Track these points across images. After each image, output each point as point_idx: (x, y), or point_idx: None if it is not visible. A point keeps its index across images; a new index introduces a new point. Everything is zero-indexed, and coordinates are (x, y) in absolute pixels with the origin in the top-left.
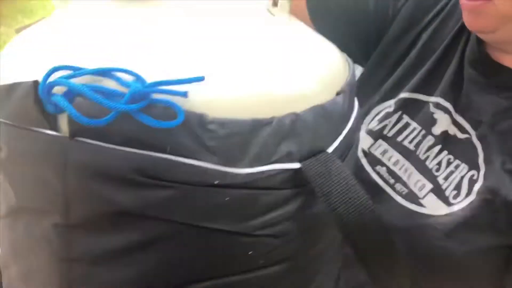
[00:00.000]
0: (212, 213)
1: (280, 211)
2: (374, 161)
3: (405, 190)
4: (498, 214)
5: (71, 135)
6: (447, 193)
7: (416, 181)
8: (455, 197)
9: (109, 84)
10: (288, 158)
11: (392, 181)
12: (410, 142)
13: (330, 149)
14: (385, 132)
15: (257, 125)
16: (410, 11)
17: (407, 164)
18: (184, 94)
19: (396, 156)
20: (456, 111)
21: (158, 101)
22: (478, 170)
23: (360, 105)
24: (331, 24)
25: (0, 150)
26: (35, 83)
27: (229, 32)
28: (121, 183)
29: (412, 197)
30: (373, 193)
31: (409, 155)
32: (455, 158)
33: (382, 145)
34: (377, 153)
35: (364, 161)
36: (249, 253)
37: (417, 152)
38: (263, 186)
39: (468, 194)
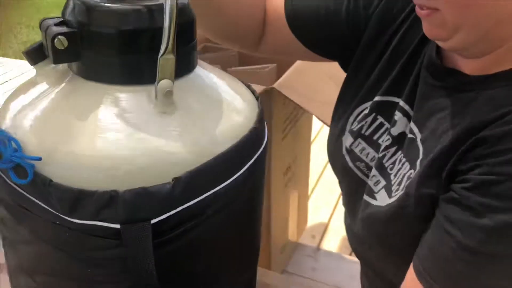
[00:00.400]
0: (62, 240)
1: (104, 252)
2: (355, 158)
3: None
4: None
5: None
6: (393, 188)
7: (375, 177)
8: (396, 191)
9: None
10: (110, 219)
11: (370, 175)
12: (383, 140)
13: (154, 221)
14: (362, 131)
15: (82, 194)
16: (380, 17)
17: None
18: (39, 159)
19: (372, 153)
20: (413, 113)
21: (22, 164)
22: (415, 169)
23: (346, 106)
24: (310, 34)
25: None
26: None
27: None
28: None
29: (370, 190)
30: (357, 185)
31: (378, 149)
32: (404, 157)
33: (361, 143)
34: (357, 150)
35: (347, 158)
36: (88, 270)
37: (380, 149)
38: (92, 233)
39: (402, 189)
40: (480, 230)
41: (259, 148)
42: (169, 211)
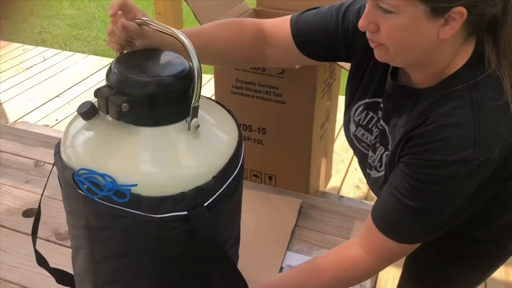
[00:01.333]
0: (148, 230)
1: (180, 229)
2: (359, 140)
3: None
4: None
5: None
6: (376, 164)
7: (372, 157)
8: (379, 166)
9: (99, 178)
10: (181, 209)
11: (370, 153)
12: (374, 127)
13: (205, 204)
14: (361, 122)
15: (163, 198)
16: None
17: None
18: (135, 185)
19: (370, 137)
20: (381, 113)
21: (120, 188)
22: (388, 150)
23: (350, 100)
24: (313, 49)
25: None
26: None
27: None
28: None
29: (370, 166)
30: (363, 157)
31: (370, 132)
32: (380, 144)
33: (361, 130)
34: (359, 135)
35: (354, 140)
36: (165, 244)
37: (373, 135)
38: (169, 220)
39: (382, 165)
40: (408, 192)
41: (242, 150)
42: (212, 197)
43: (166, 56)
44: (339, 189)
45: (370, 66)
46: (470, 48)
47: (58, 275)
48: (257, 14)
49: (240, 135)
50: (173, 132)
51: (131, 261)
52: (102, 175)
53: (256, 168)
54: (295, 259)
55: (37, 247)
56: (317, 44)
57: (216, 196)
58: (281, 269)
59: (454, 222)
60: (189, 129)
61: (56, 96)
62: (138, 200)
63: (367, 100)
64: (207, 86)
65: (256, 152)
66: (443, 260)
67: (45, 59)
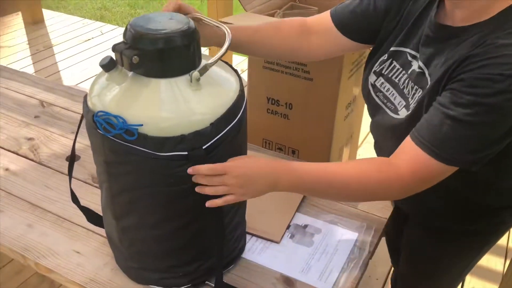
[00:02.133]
0: (155, 167)
1: (183, 167)
2: (377, 90)
3: (392, 107)
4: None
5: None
6: (411, 106)
7: (398, 101)
8: (413, 106)
9: (113, 119)
10: (182, 150)
11: (385, 101)
12: (396, 77)
13: (204, 147)
14: (383, 71)
15: (166, 139)
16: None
17: (394, 91)
18: (141, 125)
19: (388, 86)
20: (420, 57)
21: (130, 128)
22: (424, 91)
23: (372, 58)
24: (355, 31)
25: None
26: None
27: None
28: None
29: (395, 110)
30: (375, 109)
31: (395, 85)
32: (416, 85)
33: (381, 80)
34: (378, 84)
35: (371, 90)
36: (171, 180)
37: (399, 84)
38: (172, 159)
39: (415, 103)
40: (459, 106)
41: (243, 104)
42: (210, 141)
43: (175, 18)
44: None
45: (399, 21)
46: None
47: (88, 213)
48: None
49: (241, 90)
50: (177, 83)
51: (143, 194)
52: (116, 116)
53: (281, 141)
54: (302, 219)
55: (74, 188)
56: (355, 21)
57: (214, 141)
58: (288, 226)
59: (499, 147)
60: (191, 81)
61: None
62: (144, 139)
63: (393, 49)
64: (243, 62)
65: (281, 126)
66: (441, 240)
67: (102, 33)
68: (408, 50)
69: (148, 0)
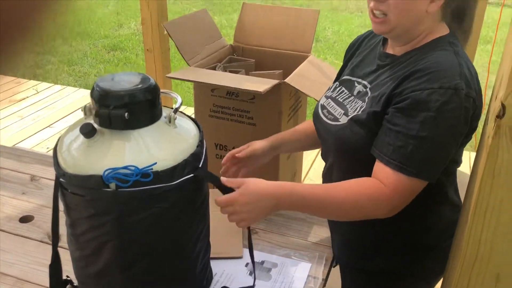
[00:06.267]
0: (168, 193)
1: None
2: (323, 108)
3: (332, 117)
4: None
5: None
6: (349, 113)
7: (339, 112)
8: (352, 111)
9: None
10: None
11: (328, 115)
12: (341, 98)
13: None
14: (332, 95)
15: (174, 168)
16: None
17: (337, 106)
18: (155, 163)
19: (332, 104)
20: (365, 80)
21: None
22: (364, 102)
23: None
24: None
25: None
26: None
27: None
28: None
29: (335, 119)
30: (320, 123)
31: (339, 103)
32: (357, 99)
33: (329, 100)
34: (325, 104)
35: (319, 110)
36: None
37: (343, 102)
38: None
39: (354, 110)
40: (413, 123)
41: (202, 155)
42: (201, 160)
43: (137, 76)
44: None
45: (356, 52)
46: (442, 29)
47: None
48: (233, 49)
49: (199, 127)
50: (160, 127)
51: (156, 230)
52: (125, 167)
53: None
54: (258, 256)
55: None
56: None
57: (203, 159)
58: (246, 264)
59: (452, 154)
60: (169, 121)
61: (48, 126)
62: (158, 176)
63: (342, 78)
64: (188, 110)
65: None
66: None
67: (38, 92)
68: (355, 78)
69: (81, 57)
